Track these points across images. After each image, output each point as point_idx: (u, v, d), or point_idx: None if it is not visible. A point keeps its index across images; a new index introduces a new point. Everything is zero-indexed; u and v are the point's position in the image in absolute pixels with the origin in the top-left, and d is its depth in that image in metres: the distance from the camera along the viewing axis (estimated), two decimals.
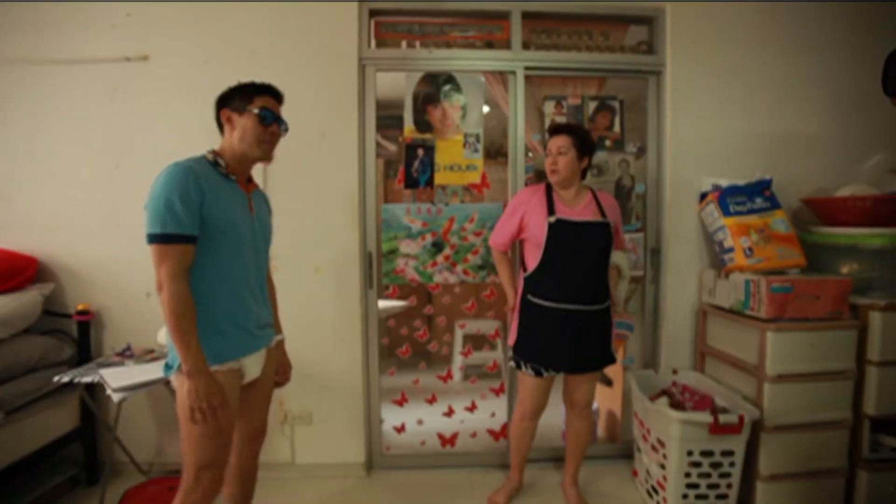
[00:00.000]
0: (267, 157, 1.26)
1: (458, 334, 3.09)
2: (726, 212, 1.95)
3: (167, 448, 2.13)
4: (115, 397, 1.56)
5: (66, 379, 1.69)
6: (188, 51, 2.03)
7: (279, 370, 1.49)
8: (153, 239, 1.07)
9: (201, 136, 1.99)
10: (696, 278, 2.14)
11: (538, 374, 1.73)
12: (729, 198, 1.97)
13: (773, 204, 1.96)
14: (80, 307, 2.00)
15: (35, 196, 2.05)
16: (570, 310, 1.66)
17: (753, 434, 1.69)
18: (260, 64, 2.00)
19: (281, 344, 1.49)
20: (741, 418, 1.61)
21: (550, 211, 1.68)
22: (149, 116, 2.04)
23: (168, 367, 1.21)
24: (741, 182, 2.01)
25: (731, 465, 1.68)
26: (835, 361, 1.71)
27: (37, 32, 2.00)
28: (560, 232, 1.66)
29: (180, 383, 1.15)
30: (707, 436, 1.64)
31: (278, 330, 1.48)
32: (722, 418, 1.62)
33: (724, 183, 2.05)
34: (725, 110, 2.11)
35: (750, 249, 1.87)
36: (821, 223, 2.00)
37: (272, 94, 1.27)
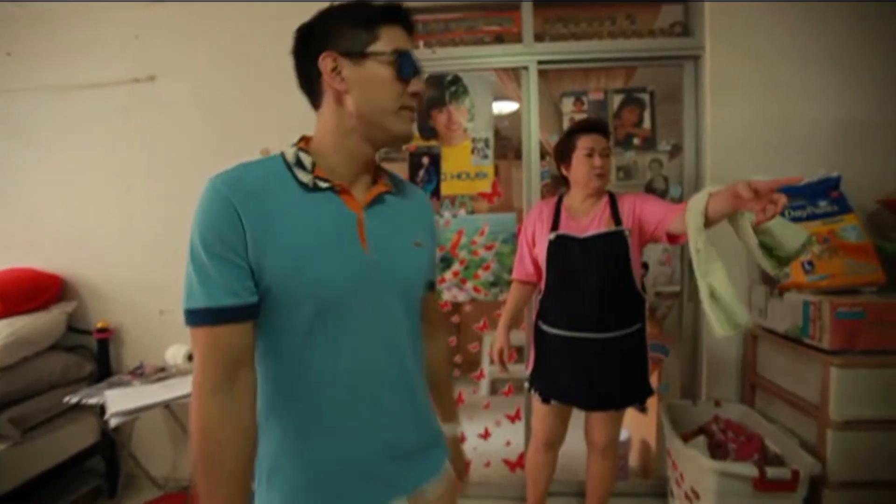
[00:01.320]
0: (409, 135, 0.74)
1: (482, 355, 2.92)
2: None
3: (181, 463, 2.15)
4: (112, 422, 1.56)
5: (74, 400, 1.73)
6: (192, 66, 2.02)
7: (458, 474, 0.93)
8: (184, 317, 0.64)
9: (207, 153, 2.04)
10: (743, 295, 1.83)
11: (545, 400, 1.55)
12: None
13: (842, 207, 1.63)
14: (99, 325, 2.06)
15: (58, 217, 2.14)
16: (580, 338, 1.45)
17: (814, 490, 1.40)
18: (260, 76, 1.95)
19: (455, 443, 0.94)
20: (795, 474, 1.33)
21: (554, 226, 1.48)
22: (156, 136, 2.07)
23: None
24: (800, 182, 1.68)
25: None
26: None
27: (54, 60, 2.09)
28: (560, 250, 1.46)
29: None
30: (752, 491, 1.37)
31: (450, 417, 0.94)
32: (770, 472, 1.35)
33: None
34: (777, 96, 1.79)
35: (810, 263, 1.56)
36: None
37: (404, 23, 0.71)
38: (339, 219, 0.70)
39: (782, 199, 0.86)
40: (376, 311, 0.71)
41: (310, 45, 0.71)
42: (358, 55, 0.68)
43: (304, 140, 0.75)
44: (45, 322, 1.96)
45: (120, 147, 2.09)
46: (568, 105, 1.97)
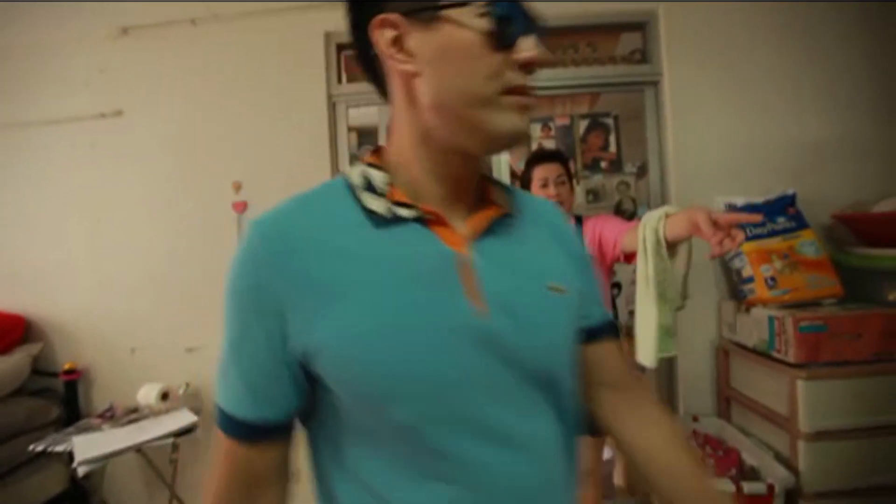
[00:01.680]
0: (519, 133, 0.45)
1: None
2: None
3: None
4: (80, 470, 1.50)
5: (39, 448, 1.66)
6: (159, 101, 2.02)
7: None
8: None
9: (175, 187, 2.02)
10: (714, 310, 1.88)
11: None
12: None
13: (799, 223, 1.70)
14: (66, 367, 1.99)
15: (21, 254, 2.08)
16: None
17: (789, 502, 1.42)
18: (228, 109, 1.95)
19: None
20: (770, 488, 1.36)
21: None
22: (124, 171, 2.04)
23: None
24: (759, 199, 1.76)
25: None
26: (890, 413, 1.42)
27: (14, 96, 2.06)
28: None
29: None
30: None
31: None
32: (747, 487, 1.37)
33: (740, 202, 1.79)
34: (736, 118, 1.87)
35: (772, 279, 1.61)
36: (859, 243, 1.71)
37: None
38: (433, 263, 0.45)
39: (740, 236, 0.84)
40: (504, 407, 0.44)
41: (364, 7, 0.47)
42: (430, 13, 0.42)
43: (377, 153, 0.51)
44: (7, 366, 1.88)
45: (87, 182, 2.05)
46: (536, 131, 2.03)
